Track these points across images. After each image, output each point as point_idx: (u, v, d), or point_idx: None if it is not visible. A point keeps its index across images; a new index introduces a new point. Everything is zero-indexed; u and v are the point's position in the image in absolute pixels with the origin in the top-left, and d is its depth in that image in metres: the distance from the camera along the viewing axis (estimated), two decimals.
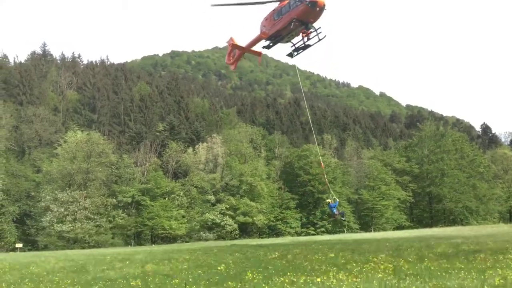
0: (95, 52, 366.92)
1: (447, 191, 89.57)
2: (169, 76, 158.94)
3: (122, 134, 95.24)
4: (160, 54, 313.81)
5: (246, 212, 73.48)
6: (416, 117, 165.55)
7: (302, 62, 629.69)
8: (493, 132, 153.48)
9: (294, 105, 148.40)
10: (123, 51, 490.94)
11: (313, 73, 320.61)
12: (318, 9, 23.10)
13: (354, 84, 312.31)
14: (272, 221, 77.39)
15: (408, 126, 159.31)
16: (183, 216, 71.68)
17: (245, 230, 75.68)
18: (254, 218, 73.64)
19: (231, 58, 30.88)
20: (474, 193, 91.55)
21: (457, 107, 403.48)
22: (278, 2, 25.24)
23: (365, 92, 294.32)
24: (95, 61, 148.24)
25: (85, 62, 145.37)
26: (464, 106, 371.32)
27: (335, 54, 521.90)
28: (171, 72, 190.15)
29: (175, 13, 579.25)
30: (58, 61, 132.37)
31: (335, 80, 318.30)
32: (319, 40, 24.70)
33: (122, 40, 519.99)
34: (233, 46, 30.22)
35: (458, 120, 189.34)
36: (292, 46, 25.89)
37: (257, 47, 29.10)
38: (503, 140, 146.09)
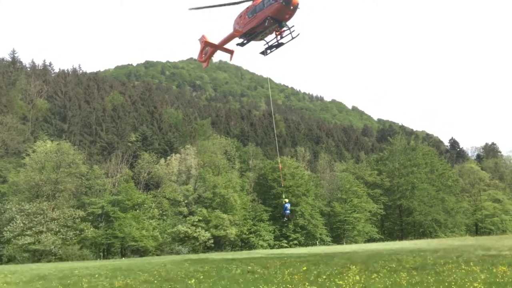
0: (67, 61, 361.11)
1: (417, 204, 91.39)
2: (142, 86, 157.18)
3: (93, 144, 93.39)
4: (134, 64, 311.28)
5: (218, 225, 72.83)
6: (387, 131, 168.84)
7: (277, 75, 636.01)
8: (460, 147, 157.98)
9: (268, 117, 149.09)
10: (96, 60, 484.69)
11: (287, 86, 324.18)
12: (292, 7, 23.40)
13: (327, 98, 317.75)
14: (245, 233, 76.90)
15: (380, 140, 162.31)
16: (154, 228, 70.42)
17: (217, 243, 74.94)
18: (227, 230, 73.03)
19: (203, 55, 30.60)
20: (443, 206, 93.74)
21: (426, 122, 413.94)
22: (252, 1, 25.34)
23: (338, 106, 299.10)
24: (67, 70, 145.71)
25: (56, 70, 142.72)
26: (433, 121, 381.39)
27: (309, 68, 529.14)
28: (145, 82, 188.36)
29: (150, 23, 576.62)
30: (28, 69, 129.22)
31: (308, 93, 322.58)
32: (292, 38, 24.97)
33: (95, 49, 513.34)
34: (206, 43, 30.02)
35: (427, 134, 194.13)
36: (265, 44, 26.07)
37: (230, 45, 29.17)
38: (470, 154, 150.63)
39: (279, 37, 25.37)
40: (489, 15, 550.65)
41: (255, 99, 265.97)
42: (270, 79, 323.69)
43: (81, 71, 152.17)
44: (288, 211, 29.32)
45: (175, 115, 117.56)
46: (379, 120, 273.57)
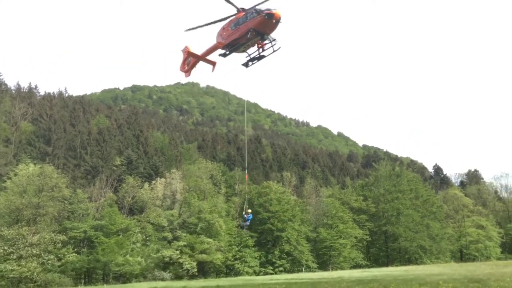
0: (54, 84, 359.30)
1: (403, 230, 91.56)
2: (129, 109, 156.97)
3: (77, 168, 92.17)
4: (121, 88, 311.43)
5: (203, 251, 71.75)
6: (372, 157, 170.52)
7: (264, 100, 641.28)
8: (444, 173, 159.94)
9: (255, 142, 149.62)
10: (82, 83, 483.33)
11: (274, 111, 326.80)
12: (274, 21, 24.20)
13: (313, 124, 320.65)
14: (230, 260, 75.84)
15: (365, 166, 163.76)
16: (138, 253, 69.06)
17: (202, 269, 73.75)
18: (212, 256, 71.94)
19: (186, 65, 30.95)
20: (428, 232, 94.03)
21: (410, 149, 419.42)
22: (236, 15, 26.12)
23: (324, 131, 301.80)
24: (53, 93, 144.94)
25: (42, 93, 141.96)
26: (417, 148, 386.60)
27: (296, 94, 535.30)
28: (132, 106, 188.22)
29: (136, 47, 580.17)
30: (13, 92, 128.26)
31: (295, 119, 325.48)
32: (274, 51, 25.77)
33: (82, 72, 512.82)
34: (189, 53, 30.48)
35: (412, 161, 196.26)
36: (247, 56, 26.73)
37: (213, 57, 29.63)
38: (453, 181, 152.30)
39: (261, 49, 26.20)
40: (466, 47, 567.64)
41: (242, 124, 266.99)
42: (257, 104, 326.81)
43: (67, 94, 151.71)
44: (247, 223, 30.40)
45: (161, 139, 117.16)
46: (364, 146, 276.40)
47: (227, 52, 27.07)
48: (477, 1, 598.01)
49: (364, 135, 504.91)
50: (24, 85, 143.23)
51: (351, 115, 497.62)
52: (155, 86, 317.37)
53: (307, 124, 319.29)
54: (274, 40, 25.45)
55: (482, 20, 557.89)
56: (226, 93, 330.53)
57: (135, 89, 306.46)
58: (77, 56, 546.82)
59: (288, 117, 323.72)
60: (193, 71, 31.09)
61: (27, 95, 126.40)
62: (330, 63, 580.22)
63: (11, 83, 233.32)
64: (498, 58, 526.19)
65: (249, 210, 30.58)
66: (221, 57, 27.70)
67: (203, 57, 29.84)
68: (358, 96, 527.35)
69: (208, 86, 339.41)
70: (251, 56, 26.57)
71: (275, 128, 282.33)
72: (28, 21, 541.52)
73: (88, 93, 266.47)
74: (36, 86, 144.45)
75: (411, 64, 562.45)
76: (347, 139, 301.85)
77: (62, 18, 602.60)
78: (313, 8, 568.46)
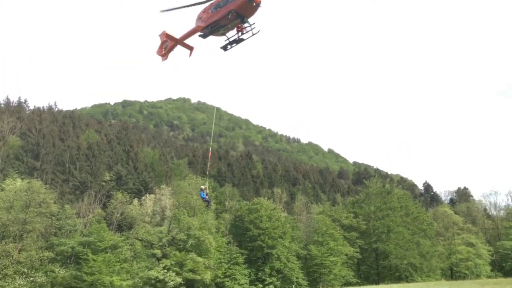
0: (43, 98, 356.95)
1: (393, 247, 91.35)
2: (119, 125, 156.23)
3: (65, 183, 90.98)
4: (112, 103, 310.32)
5: (193, 269, 70.72)
6: (363, 174, 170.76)
7: (255, 116, 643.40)
8: (434, 190, 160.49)
9: (246, 158, 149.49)
10: (73, 98, 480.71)
11: (265, 127, 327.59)
12: (254, 4, 24.88)
13: (304, 140, 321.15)
14: (220, 277, 74.88)
15: (355, 183, 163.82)
16: (128, 271, 67.86)
17: (191, 287, 72.61)
18: (202, 274, 70.89)
19: (163, 49, 30.94)
20: (418, 250, 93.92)
21: (401, 166, 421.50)
22: None
23: (314, 148, 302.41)
24: (43, 107, 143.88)
25: (31, 107, 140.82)
26: (407, 165, 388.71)
27: (287, 111, 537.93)
28: (122, 121, 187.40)
29: (127, 63, 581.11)
30: (2, 106, 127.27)
31: (286, 135, 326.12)
32: (253, 34, 26.29)
33: (73, 87, 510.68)
34: (167, 36, 30.59)
35: (402, 178, 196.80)
36: (226, 40, 27.14)
37: (191, 42, 29.87)
38: (443, 198, 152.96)
39: (240, 33, 26.59)
40: (453, 65, 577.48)
41: (233, 140, 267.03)
42: (248, 120, 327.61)
43: (56, 109, 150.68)
44: (204, 197, 32.28)
45: (151, 155, 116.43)
46: (355, 163, 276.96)
47: (207, 33, 27.42)
48: (465, 17, 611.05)
49: (355, 152, 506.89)
50: (14, 99, 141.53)
51: (341, 132, 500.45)
52: (146, 101, 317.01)
53: (298, 141, 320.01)
54: (254, 23, 25.99)
55: (472, 39, 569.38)
56: (217, 109, 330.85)
57: (125, 104, 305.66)
58: (68, 70, 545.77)
59: (279, 133, 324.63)
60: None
61: (16, 109, 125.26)
62: (321, 80, 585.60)
63: (0, 97, 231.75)
64: (486, 77, 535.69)
65: (202, 186, 32.13)
66: (199, 46, 28.40)
67: (181, 41, 30.06)
68: (348, 114, 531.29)
69: (199, 102, 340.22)
70: (230, 39, 26.95)
71: (266, 144, 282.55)
72: (18, 35, 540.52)
73: (79, 107, 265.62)
74: (25, 101, 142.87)
75: (401, 83, 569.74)
76: (337, 155, 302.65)
77: (52, 31, 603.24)
78: (302, 25, 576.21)
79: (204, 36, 27.68)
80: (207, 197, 32.25)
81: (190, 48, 30.50)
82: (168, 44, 30.56)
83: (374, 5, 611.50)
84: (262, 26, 26.03)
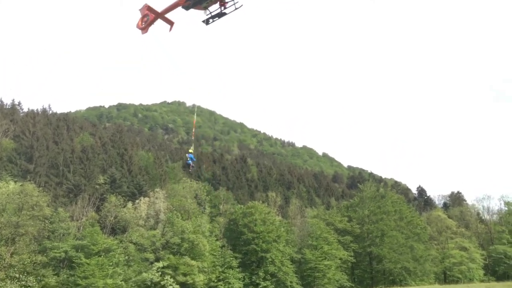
0: (37, 101, 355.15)
1: (387, 251, 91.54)
2: (113, 127, 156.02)
3: (59, 186, 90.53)
4: (106, 106, 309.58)
5: (186, 272, 70.46)
6: (357, 178, 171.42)
7: (250, 120, 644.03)
8: (428, 194, 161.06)
9: (240, 162, 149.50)
10: (67, 101, 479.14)
11: (260, 131, 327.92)
12: None
13: (299, 144, 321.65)
14: (213, 281, 74.67)
15: (350, 187, 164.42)
16: (120, 275, 67.49)
17: None
18: (195, 278, 70.65)
19: (143, 22, 30.49)
20: (412, 254, 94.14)
21: (395, 170, 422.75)
22: None
23: (309, 152, 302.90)
24: (37, 110, 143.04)
25: (25, 110, 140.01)
26: (401, 169, 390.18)
27: (282, 114, 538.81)
28: (116, 124, 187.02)
29: (122, 65, 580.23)
30: None
31: (280, 139, 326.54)
32: (236, 9, 26.40)
33: (67, 90, 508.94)
34: (149, 9, 30.13)
35: (396, 182, 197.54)
36: (208, 14, 27.20)
37: (171, 17, 29.70)
38: (437, 202, 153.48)
39: (222, 7, 26.72)
40: (448, 70, 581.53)
41: (228, 143, 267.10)
42: (243, 124, 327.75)
43: (51, 111, 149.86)
44: (190, 162, 32.36)
45: (145, 158, 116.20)
46: (349, 167, 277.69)
47: (190, 5, 27.36)
48: (463, 24, 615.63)
49: (349, 156, 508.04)
50: (7, 101, 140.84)
51: (336, 136, 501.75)
52: (140, 104, 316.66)
53: (293, 144, 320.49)
54: None
55: (467, 47, 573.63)
56: (212, 113, 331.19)
57: (120, 107, 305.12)
58: (62, 73, 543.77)
59: (274, 137, 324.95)
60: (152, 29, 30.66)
61: (10, 112, 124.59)
62: (316, 84, 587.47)
63: None
64: (480, 82, 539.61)
65: (190, 150, 32.41)
66: (179, 21, 28.35)
67: (162, 15, 29.73)
68: (343, 118, 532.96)
69: (194, 105, 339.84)
70: (212, 13, 27.06)
71: (260, 148, 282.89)
72: (11, 38, 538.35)
73: (73, 110, 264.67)
74: (19, 103, 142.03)
75: (396, 87, 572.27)
76: (332, 160, 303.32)
77: (47, 33, 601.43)
78: (298, 30, 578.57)
79: (187, 8, 27.51)
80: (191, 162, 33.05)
81: (171, 23, 30.08)
82: (149, 17, 30.24)
83: (365, 12, 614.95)
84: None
